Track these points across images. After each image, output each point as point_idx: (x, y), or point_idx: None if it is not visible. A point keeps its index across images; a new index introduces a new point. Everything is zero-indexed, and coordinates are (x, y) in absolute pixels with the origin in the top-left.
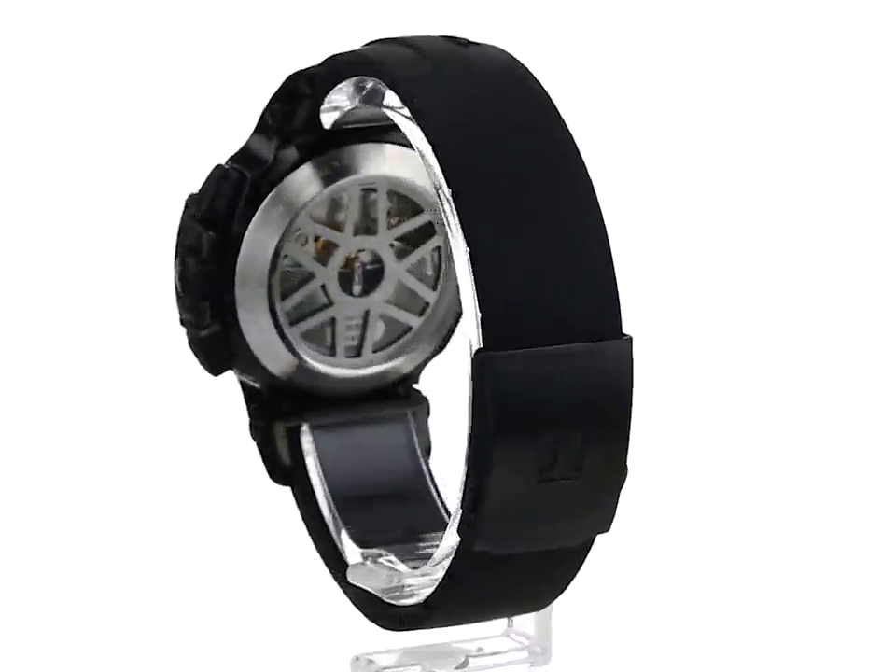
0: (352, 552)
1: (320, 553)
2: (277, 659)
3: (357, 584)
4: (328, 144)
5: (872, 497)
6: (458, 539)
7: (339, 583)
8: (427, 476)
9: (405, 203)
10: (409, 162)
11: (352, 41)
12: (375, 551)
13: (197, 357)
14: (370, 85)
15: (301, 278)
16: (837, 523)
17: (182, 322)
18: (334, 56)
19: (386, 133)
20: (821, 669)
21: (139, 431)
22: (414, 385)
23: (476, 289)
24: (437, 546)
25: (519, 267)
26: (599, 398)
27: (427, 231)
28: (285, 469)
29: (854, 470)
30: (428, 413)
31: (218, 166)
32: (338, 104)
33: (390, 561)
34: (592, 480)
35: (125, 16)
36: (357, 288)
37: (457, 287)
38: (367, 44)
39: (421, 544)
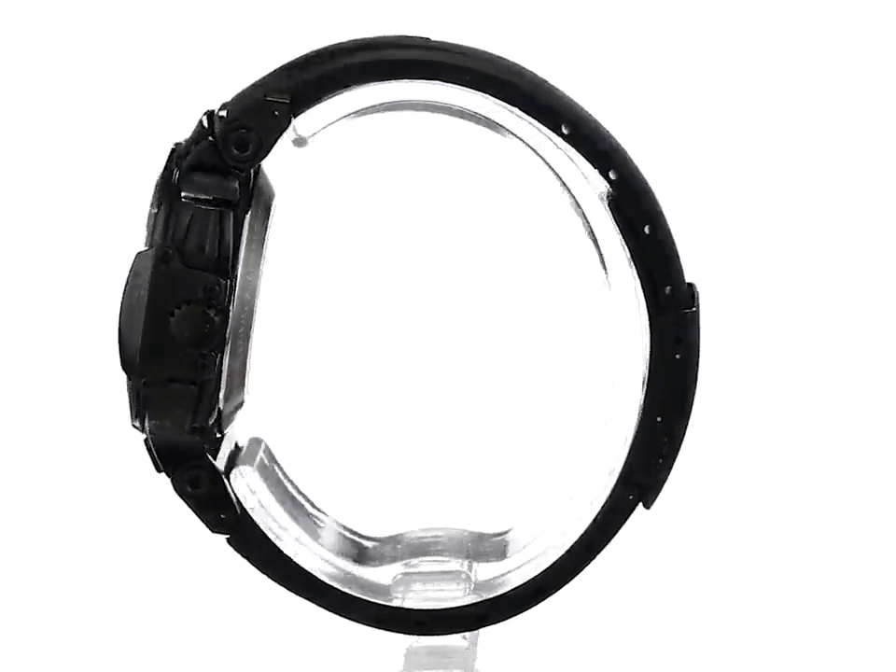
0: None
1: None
2: None
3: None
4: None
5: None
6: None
7: (351, 616)
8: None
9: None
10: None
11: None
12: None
13: (178, 414)
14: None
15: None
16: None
17: (152, 384)
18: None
19: None
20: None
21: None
22: None
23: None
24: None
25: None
26: None
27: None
28: (235, 515)
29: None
30: None
31: (197, 208)
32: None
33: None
34: None
35: None
36: None
37: None
38: (310, 55)
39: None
